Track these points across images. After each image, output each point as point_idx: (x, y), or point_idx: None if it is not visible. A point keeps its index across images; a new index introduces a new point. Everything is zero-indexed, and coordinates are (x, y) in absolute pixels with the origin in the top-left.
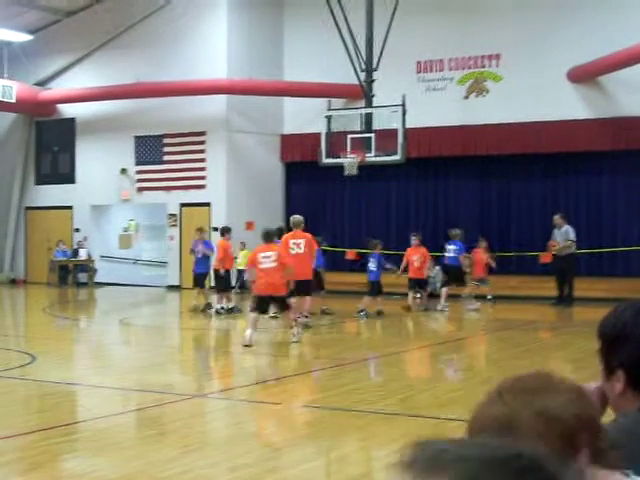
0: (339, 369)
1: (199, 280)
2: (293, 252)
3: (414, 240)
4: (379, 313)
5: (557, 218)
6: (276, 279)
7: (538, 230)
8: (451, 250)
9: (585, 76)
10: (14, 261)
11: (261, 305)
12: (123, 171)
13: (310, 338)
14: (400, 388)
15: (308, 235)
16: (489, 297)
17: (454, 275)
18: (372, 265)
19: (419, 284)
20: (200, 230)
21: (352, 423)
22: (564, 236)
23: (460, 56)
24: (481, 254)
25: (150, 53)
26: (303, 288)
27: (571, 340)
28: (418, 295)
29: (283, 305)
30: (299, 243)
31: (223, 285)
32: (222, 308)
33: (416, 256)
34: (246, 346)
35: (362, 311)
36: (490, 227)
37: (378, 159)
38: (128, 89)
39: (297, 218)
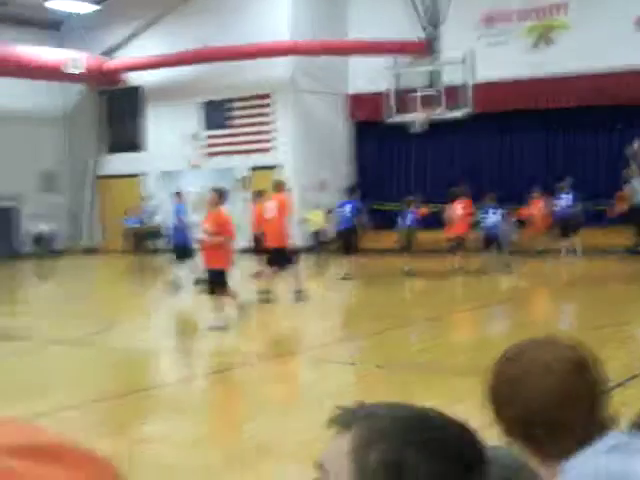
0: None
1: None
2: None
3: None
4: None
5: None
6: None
7: (604, 182)
8: (565, 200)
9: None
10: (91, 229)
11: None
12: (192, 137)
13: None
14: (468, 347)
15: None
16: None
17: (573, 225)
18: (495, 218)
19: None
20: (178, 194)
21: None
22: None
23: (527, 7)
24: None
25: (215, 19)
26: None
27: None
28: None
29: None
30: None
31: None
32: None
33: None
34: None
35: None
36: (556, 180)
37: (447, 115)
38: (194, 54)
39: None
